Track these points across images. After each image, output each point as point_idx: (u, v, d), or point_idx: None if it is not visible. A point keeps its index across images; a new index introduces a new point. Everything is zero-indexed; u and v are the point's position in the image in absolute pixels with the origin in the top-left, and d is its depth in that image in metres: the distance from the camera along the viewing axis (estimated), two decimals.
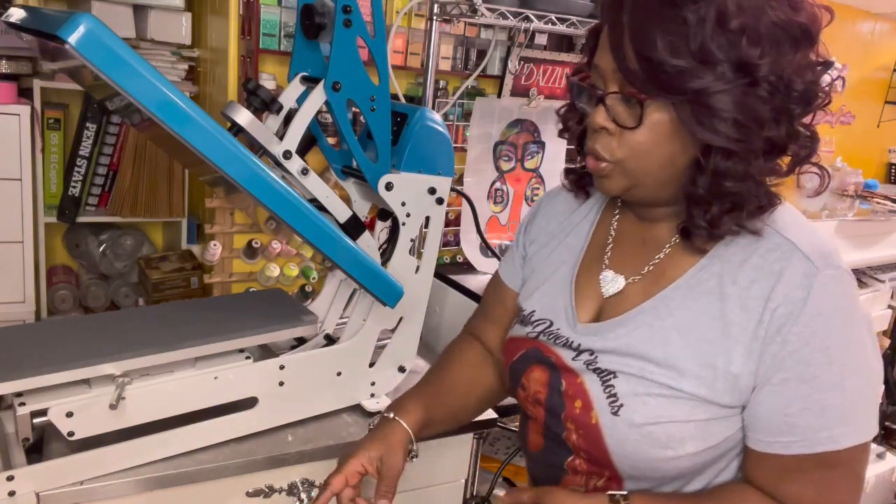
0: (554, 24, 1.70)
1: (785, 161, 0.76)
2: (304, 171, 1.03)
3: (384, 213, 1.20)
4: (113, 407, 0.98)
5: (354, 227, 1.09)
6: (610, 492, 0.81)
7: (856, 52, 3.06)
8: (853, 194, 2.75)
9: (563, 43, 1.97)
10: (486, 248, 1.80)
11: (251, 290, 1.72)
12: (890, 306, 2.41)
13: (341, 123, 1.03)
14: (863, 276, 2.37)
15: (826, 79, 0.74)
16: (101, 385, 1.00)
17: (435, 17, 1.62)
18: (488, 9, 1.60)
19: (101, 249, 1.85)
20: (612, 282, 0.86)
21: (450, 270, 1.78)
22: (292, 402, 1.17)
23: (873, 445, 2.39)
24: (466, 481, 1.35)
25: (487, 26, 1.85)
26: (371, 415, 1.25)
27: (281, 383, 1.14)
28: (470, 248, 1.83)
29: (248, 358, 1.13)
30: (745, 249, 0.77)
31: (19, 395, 0.97)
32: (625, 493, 0.80)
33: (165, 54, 1.74)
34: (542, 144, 1.95)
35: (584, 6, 1.73)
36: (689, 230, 0.78)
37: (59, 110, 1.72)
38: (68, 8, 1.79)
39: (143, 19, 1.68)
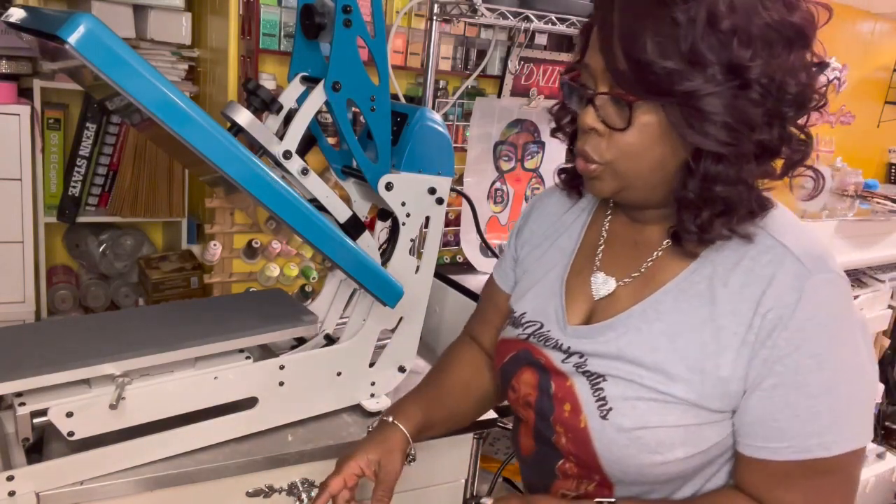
0: (554, 24, 1.70)
1: (779, 164, 0.74)
2: (304, 171, 1.03)
3: (384, 213, 1.20)
4: (113, 407, 0.98)
5: (354, 227, 1.09)
6: (598, 499, 0.80)
7: (856, 52, 3.06)
8: (853, 194, 2.75)
9: (563, 43, 1.97)
10: (486, 248, 1.80)
11: (251, 290, 1.72)
12: (890, 306, 2.41)
13: (341, 123, 1.03)
14: (863, 276, 2.36)
15: (822, 80, 0.73)
16: (101, 385, 1.00)
17: (435, 17, 1.63)
18: (488, 9, 1.60)
19: (101, 249, 1.85)
20: (603, 284, 0.85)
21: (450, 270, 1.78)
22: (292, 402, 1.17)
23: (873, 445, 2.40)
24: (466, 481, 1.35)
25: (487, 26, 1.85)
26: (371, 415, 1.25)
27: (281, 383, 1.14)
28: (470, 248, 1.84)
29: (248, 358, 1.13)
30: (737, 252, 0.76)
31: (19, 395, 0.97)
32: (612, 500, 0.80)
33: (165, 54, 1.74)
34: (542, 144, 1.95)
35: (584, 6, 1.72)
36: (679, 234, 0.77)
37: (59, 110, 1.72)
38: (68, 8, 1.79)
39: (143, 19, 1.68)
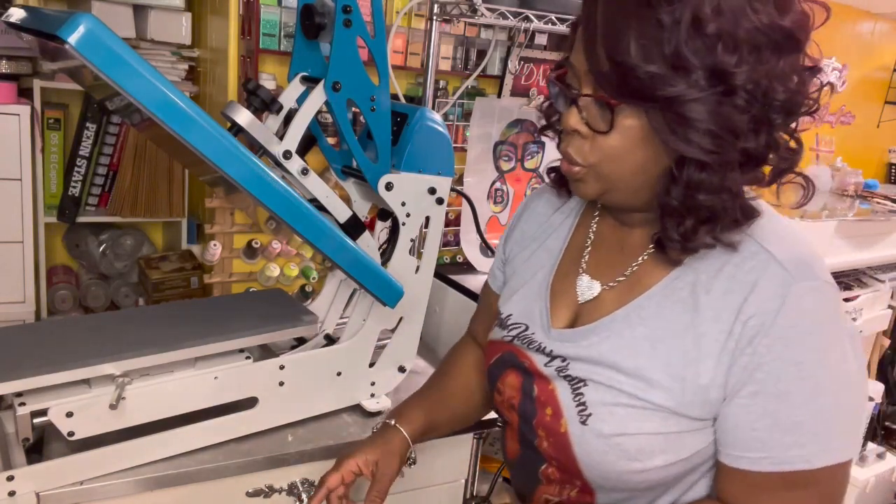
0: (554, 24, 1.70)
1: (767, 170, 0.72)
2: (304, 171, 1.03)
3: (384, 213, 1.20)
4: (113, 407, 0.98)
5: (354, 227, 1.09)
6: None
7: (856, 52, 3.06)
8: (853, 194, 2.75)
9: (563, 43, 1.97)
10: (486, 248, 1.80)
11: (251, 290, 1.72)
12: (890, 306, 2.41)
13: (341, 123, 1.03)
14: (863, 276, 2.36)
15: (816, 83, 0.70)
16: (101, 385, 1.00)
17: (435, 17, 1.63)
18: (488, 9, 1.60)
19: (101, 249, 1.85)
20: (587, 287, 0.83)
21: (450, 270, 1.78)
22: (292, 402, 1.17)
23: (873, 446, 2.39)
24: (466, 481, 1.35)
25: (487, 26, 1.85)
26: (371, 415, 1.25)
27: (281, 383, 1.14)
28: (470, 248, 1.84)
29: (248, 358, 1.13)
30: (721, 259, 0.74)
31: (19, 395, 0.97)
32: None
33: (165, 54, 1.73)
34: (542, 144, 1.95)
35: None
36: (663, 242, 0.75)
37: (59, 110, 1.72)
38: (68, 8, 1.78)
39: (143, 19, 1.68)
